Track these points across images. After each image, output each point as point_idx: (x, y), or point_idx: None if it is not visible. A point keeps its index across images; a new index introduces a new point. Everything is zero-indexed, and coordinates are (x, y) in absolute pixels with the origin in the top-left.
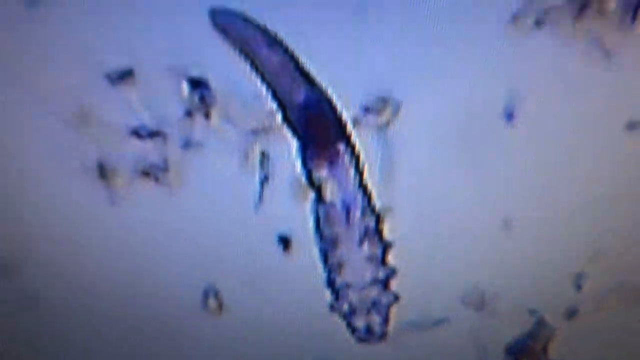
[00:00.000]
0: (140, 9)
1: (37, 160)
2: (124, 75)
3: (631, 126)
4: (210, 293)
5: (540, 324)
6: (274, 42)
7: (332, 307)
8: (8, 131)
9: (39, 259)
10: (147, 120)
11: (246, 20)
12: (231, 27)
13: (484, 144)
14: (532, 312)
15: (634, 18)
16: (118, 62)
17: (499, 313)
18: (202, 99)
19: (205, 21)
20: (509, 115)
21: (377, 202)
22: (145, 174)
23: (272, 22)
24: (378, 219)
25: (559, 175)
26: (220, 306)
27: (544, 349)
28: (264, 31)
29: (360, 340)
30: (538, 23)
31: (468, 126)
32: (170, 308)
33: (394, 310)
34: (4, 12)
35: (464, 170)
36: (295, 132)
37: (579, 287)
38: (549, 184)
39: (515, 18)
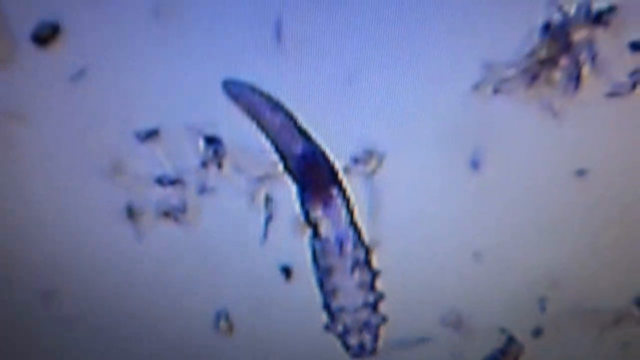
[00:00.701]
0: (164, 81)
1: (76, 203)
2: (151, 134)
3: (579, 173)
4: (221, 316)
5: (510, 341)
6: (276, 106)
7: (327, 328)
8: (52, 179)
9: (75, 287)
10: (169, 170)
11: (253, 89)
12: (240, 94)
13: (455, 188)
14: (502, 330)
15: (576, 86)
16: (146, 123)
17: (474, 332)
18: (216, 152)
19: (219, 90)
20: (475, 164)
21: (366, 237)
22: (166, 214)
23: (275, 90)
24: (367, 251)
25: (521, 214)
26: (230, 327)
27: None
28: (268, 97)
29: (354, 356)
30: (496, 90)
31: (439, 173)
32: (186, 329)
33: (382, 330)
34: (50, 84)
35: (438, 210)
36: (294, 179)
37: (542, 309)
38: (512, 221)
39: (477, 86)
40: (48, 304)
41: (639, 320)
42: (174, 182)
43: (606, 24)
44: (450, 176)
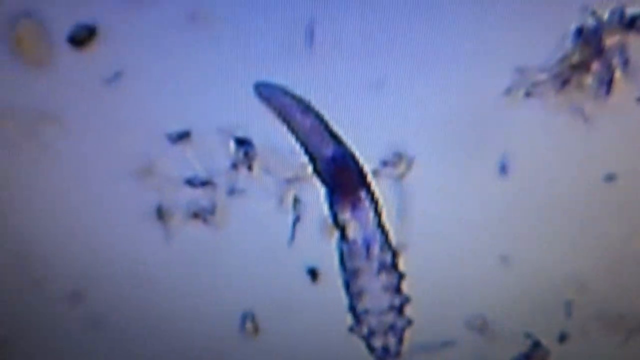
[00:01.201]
0: (197, 84)
1: (106, 204)
2: (183, 136)
3: (608, 178)
4: (247, 317)
5: (536, 346)
6: (307, 108)
7: (352, 330)
8: (84, 179)
9: (105, 286)
10: (199, 171)
11: (284, 91)
12: (272, 97)
13: (483, 192)
14: (528, 335)
15: (607, 90)
16: (178, 126)
17: (499, 336)
18: (246, 154)
19: (251, 92)
20: (503, 168)
21: (393, 240)
22: (196, 215)
23: (306, 93)
24: (394, 254)
25: (549, 218)
26: (256, 329)
27: None
28: (299, 100)
29: (378, 358)
30: (528, 94)
31: (468, 177)
32: (213, 330)
33: (407, 333)
34: (85, 86)
35: (466, 214)
36: (323, 181)
37: (569, 314)
38: (539, 226)
39: (509, 90)
40: (75, 304)
41: None
42: (204, 183)
43: (637, 28)
44: (478, 180)
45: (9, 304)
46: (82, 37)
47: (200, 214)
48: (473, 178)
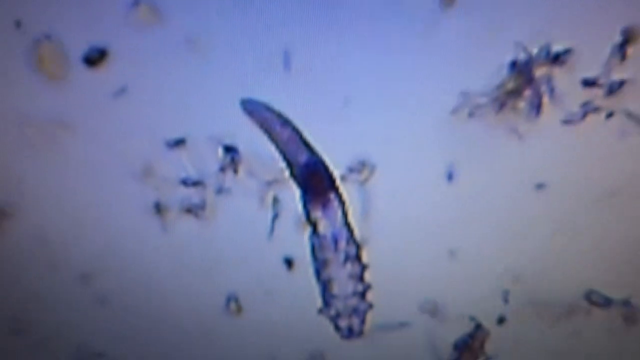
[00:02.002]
0: (191, 98)
1: (112, 200)
2: (178, 143)
3: (538, 186)
4: (232, 299)
5: (478, 327)
6: (285, 122)
7: (321, 312)
8: (93, 179)
9: (110, 270)
10: (192, 173)
11: (266, 107)
12: (255, 111)
13: (433, 196)
14: (471, 318)
15: (537, 113)
16: (174, 134)
17: (447, 318)
18: (232, 159)
19: (237, 107)
20: (450, 176)
21: (357, 235)
22: (188, 211)
23: (284, 108)
24: (358, 247)
25: (488, 219)
26: (239, 309)
27: (481, 346)
28: (278, 114)
29: (343, 337)
30: (471, 114)
31: (421, 183)
32: (201, 310)
33: (369, 315)
34: (95, 99)
35: (420, 214)
36: (298, 184)
37: (506, 301)
38: (481, 225)
39: (455, 110)
40: (85, 284)
41: (587, 313)
42: (195, 183)
43: (562, 63)
44: (429, 185)
45: (30, 284)
46: (94, 57)
47: (192, 210)
48: (425, 184)
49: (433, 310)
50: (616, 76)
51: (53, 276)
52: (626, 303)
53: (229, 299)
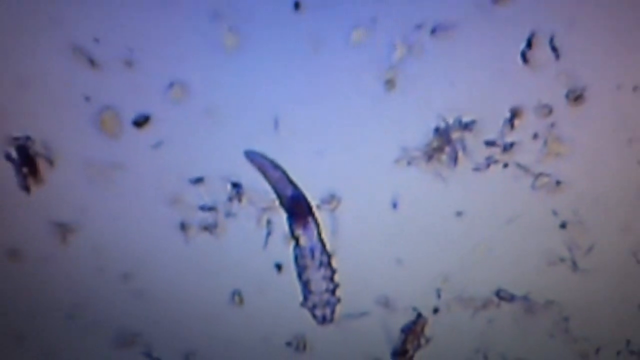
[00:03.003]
0: (208, 151)
1: (151, 219)
2: (198, 180)
3: (458, 213)
4: (236, 294)
5: (419, 316)
6: (276, 166)
7: (302, 304)
8: (141, 205)
9: (147, 270)
10: (208, 202)
11: (262, 156)
12: (255, 158)
13: (382, 220)
14: (414, 309)
15: (455, 164)
16: (196, 174)
17: (396, 309)
18: (238, 192)
19: (242, 155)
20: (395, 206)
21: (328, 248)
22: (205, 229)
23: (275, 156)
24: (329, 256)
25: (424, 236)
26: (241, 300)
27: (422, 330)
28: (271, 161)
29: (319, 323)
30: (409, 163)
31: (373, 210)
32: (212, 301)
33: (338, 307)
34: (140, 150)
35: (373, 232)
36: (285, 210)
37: (439, 296)
38: (418, 240)
39: (397, 160)
40: (127, 281)
41: (498, 305)
42: (210, 209)
43: (470, 129)
44: (380, 212)
45: (84, 280)
46: (141, 121)
47: (208, 228)
48: (377, 211)
49: (385, 303)
50: (508, 139)
51: (102, 275)
52: (525, 298)
53: (233, 293)
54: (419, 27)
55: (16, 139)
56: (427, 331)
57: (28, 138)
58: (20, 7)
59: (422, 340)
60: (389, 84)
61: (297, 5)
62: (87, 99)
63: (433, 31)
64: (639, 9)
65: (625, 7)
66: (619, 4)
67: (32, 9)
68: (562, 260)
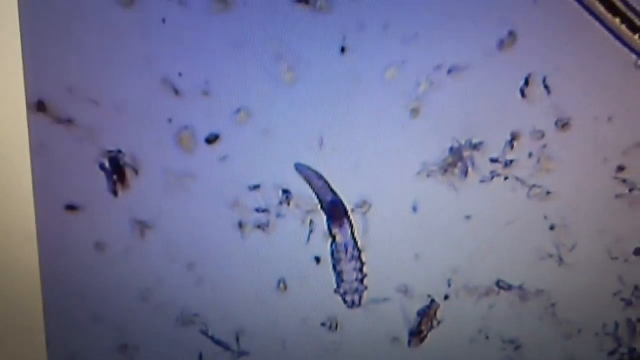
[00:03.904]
0: (264, 165)
1: (213, 220)
2: (256, 187)
3: (467, 217)
4: (281, 282)
5: (433, 302)
6: (320, 177)
7: (336, 291)
8: (208, 208)
9: (208, 261)
10: (262, 205)
11: (309, 168)
12: (302, 170)
13: (405, 221)
14: (429, 296)
15: (465, 176)
16: (253, 182)
17: (414, 296)
18: (287, 197)
19: (292, 168)
20: (415, 210)
21: (360, 244)
22: (259, 227)
23: (319, 169)
24: (360, 252)
25: (439, 236)
26: (285, 288)
27: (435, 314)
28: (316, 172)
29: (349, 307)
30: (428, 175)
31: (397, 214)
32: (263, 287)
33: (365, 294)
34: (210, 163)
35: (396, 232)
36: (326, 213)
37: (449, 286)
38: (434, 239)
39: (419, 172)
40: (191, 270)
41: (498, 293)
42: (264, 211)
43: (478, 149)
44: (403, 216)
45: (157, 269)
46: (212, 139)
47: (261, 226)
48: (400, 215)
49: (405, 291)
50: (508, 157)
51: (171, 265)
52: (520, 288)
53: (279, 282)
54: (438, 67)
55: (110, 152)
56: (439, 315)
57: (120, 151)
58: (122, 47)
59: (435, 323)
60: (414, 112)
61: (343, 50)
62: (170, 120)
63: (450, 71)
64: (610, 57)
65: (601, 55)
66: (596, 53)
67: (131, 49)
68: (551, 256)
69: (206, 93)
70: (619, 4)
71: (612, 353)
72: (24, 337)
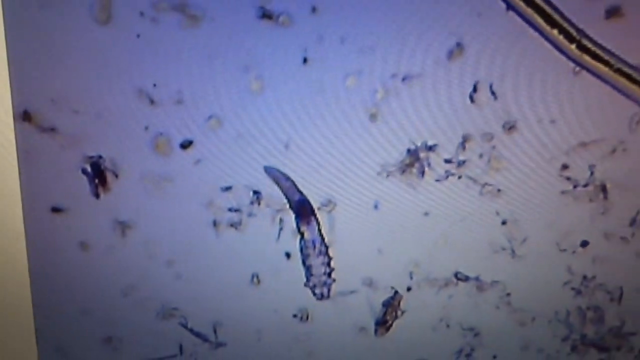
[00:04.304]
0: (236, 168)
1: (189, 219)
2: (228, 188)
3: (425, 214)
4: (254, 277)
5: (396, 293)
6: (288, 178)
7: (305, 284)
8: (180, 209)
9: (186, 258)
10: (234, 205)
11: (277, 170)
12: (271, 172)
13: (366, 218)
14: (392, 287)
15: (422, 176)
16: (226, 184)
17: (378, 288)
18: (257, 197)
19: (262, 170)
20: (376, 207)
21: (326, 240)
22: (232, 225)
23: (286, 170)
24: (326, 248)
25: (399, 231)
26: (259, 282)
27: (398, 304)
28: (283, 174)
29: (318, 299)
30: (388, 175)
31: (359, 212)
32: (236, 282)
33: (333, 286)
34: (184, 168)
35: (359, 229)
36: (294, 211)
37: (411, 278)
38: (395, 234)
39: (379, 172)
40: (170, 267)
41: (456, 284)
42: (236, 210)
43: (433, 150)
44: (365, 213)
45: (136, 266)
46: (186, 144)
47: (234, 225)
48: (362, 212)
49: (370, 283)
50: (461, 158)
51: (151, 262)
52: (477, 279)
53: (253, 276)
54: (394, 76)
55: (91, 157)
56: (403, 305)
57: (100, 157)
58: (100, 60)
59: (399, 312)
60: (373, 117)
61: (305, 60)
62: (146, 128)
63: (404, 79)
64: (550, 65)
65: (542, 63)
66: (537, 61)
67: (108, 62)
68: (504, 249)
69: (179, 102)
70: (556, 17)
71: (564, 339)
72: (14, 330)
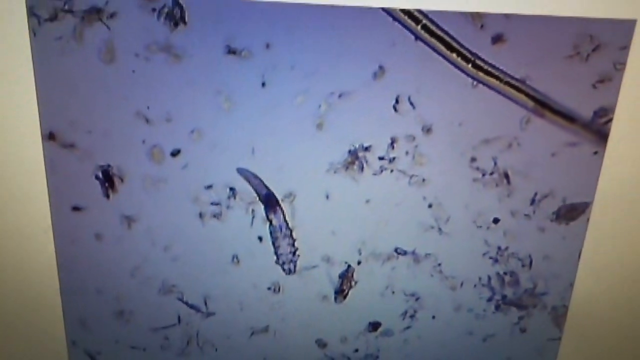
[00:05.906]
0: (215, 171)
1: (181, 212)
2: (210, 186)
3: (367, 201)
4: (235, 257)
5: (349, 267)
6: (256, 176)
7: (276, 262)
8: (174, 205)
9: (178, 243)
10: (215, 199)
11: (247, 170)
12: (242, 172)
13: (320, 206)
14: (345, 262)
15: (362, 170)
16: (207, 183)
17: (334, 263)
18: (233, 193)
19: (235, 171)
20: (327, 197)
21: (290, 225)
22: (214, 216)
23: (255, 171)
24: (291, 232)
25: (347, 217)
26: (238, 261)
27: (352, 276)
28: (252, 173)
29: (287, 274)
30: (335, 172)
31: (314, 201)
32: (220, 263)
33: (298, 263)
34: (173, 171)
35: (315, 214)
36: (263, 203)
37: (360, 253)
38: (344, 220)
39: (327, 170)
40: (167, 251)
41: (397, 258)
42: (217, 204)
43: (369, 150)
44: (319, 202)
45: (140, 251)
46: (175, 153)
47: (215, 215)
48: (317, 201)
49: (328, 260)
50: (391, 155)
51: (152, 247)
52: (413, 253)
53: (233, 257)
54: (332, 93)
55: (102, 166)
56: (355, 276)
57: (109, 166)
58: (106, 90)
59: (353, 283)
60: (319, 126)
61: (263, 84)
62: (144, 141)
63: (340, 96)
64: (453, 80)
65: (447, 79)
66: (443, 78)
67: (112, 92)
68: (432, 227)
69: (168, 120)
70: (454, 44)
71: (489, 300)
72: (45, 307)
